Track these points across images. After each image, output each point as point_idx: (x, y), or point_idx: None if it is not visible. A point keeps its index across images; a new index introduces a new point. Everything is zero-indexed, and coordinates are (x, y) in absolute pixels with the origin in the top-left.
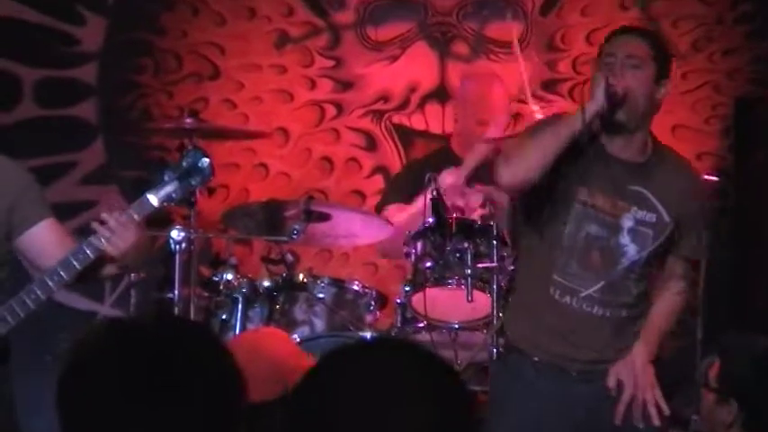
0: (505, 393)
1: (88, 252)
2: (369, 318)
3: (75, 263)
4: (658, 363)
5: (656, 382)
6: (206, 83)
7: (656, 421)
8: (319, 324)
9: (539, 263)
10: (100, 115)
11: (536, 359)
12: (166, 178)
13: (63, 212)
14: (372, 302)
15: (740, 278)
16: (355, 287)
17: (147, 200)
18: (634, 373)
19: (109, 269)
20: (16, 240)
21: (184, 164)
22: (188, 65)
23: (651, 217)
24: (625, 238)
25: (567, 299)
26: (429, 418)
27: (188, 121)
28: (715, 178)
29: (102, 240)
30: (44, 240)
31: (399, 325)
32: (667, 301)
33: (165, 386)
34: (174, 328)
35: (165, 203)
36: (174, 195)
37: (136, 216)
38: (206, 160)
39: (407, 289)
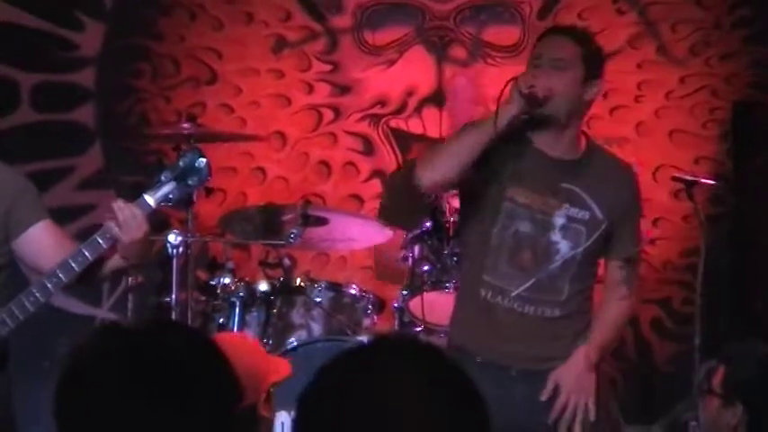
0: None
1: (87, 254)
2: (366, 322)
3: (73, 265)
4: (655, 369)
5: (593, 390)
6: (203, 87)
7: (577, 429)
8: (317, 328)
9: (470, 265)
10: (98, 120)
11: (479, 359)
12: (163, 179)
13: (61, 217)
14: (370, 306)
15: (738, 283)
16: (353, 291)
17: (145, 201)
18: (572, 379)
19: (114, 263)
20: (13, 243)
21: (181, 164)
22: (185, 69)
23: (584, 214)
24: (557, 236)
25: (499, 299)
26: (441, 419)
27: (185, 125)
28: (712, 182)
29: (119, 224)
30: (41, 242)
31: (397, 329)
32: (611, 308)
33: (164, 393)
34: (171, 334)
35: (162, 204)
36: (171, 196)
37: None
38: (203, 160)
39: (405, 293)
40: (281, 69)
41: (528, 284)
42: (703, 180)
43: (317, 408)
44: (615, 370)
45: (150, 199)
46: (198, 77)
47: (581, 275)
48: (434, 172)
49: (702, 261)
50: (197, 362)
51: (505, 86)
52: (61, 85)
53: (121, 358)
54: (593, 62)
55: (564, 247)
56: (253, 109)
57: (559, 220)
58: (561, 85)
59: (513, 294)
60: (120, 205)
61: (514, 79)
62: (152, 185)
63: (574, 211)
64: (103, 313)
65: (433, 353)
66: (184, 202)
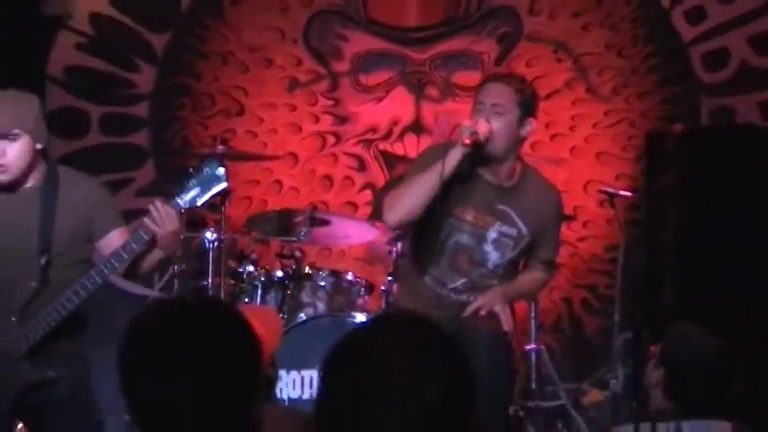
0: None
1: (133, 245)
2: (360, 302)
3: (123, 254)
4: (585, 339)
5: (502, 303)
6: (233, 118)
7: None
8: (321, 306)
9: (419, 255)
10: (151, 142)
11: None
12: (191, 184)
13: (123, 218)
14: (363, 289)
15: (649, 273)
16: (350, 277)
17: (177, 202)
18: (485, 297)
19: (156, 254)
20: (96, 243)
21: (205, 172)
22: (219, 103)
23: (512, 231)
24: (489, 247)
25: (438, 288)
26: (432, 374)
27: (219, 147)
28: (630, 194)
29: (155, 221)
30: (116, 243)
31: (383, 307)
32: (528, 274)
33: (207, 350)
34: (209, 305)
35: (189, 207)
36: (197, 199)
37: (174, 210)
38: (222, 169)
39: (390, 279)
40: (294, 104)
41: (462, 281)
42: (622, 192)
43: (340, 366)
44: (554, 341)
45: (181, 201)
46: (229, 110)
47: (507, 275)
48: (398, 214)
49: (621, 255)
50: (231, 327)
51: (453, 130)
52: (122, 115)
53: (171, 323)
54: (527, 104)
55: (494, 256)
56: (272, 135)
57: (492, 235)
58: (500, 127)
59: (450, 287)
60: (157, 205)
61: (459, 126)
62: (181, 189)
63: (505, 229)
64: (155, 293)
65: (428, 325)
66: (209, 203)
